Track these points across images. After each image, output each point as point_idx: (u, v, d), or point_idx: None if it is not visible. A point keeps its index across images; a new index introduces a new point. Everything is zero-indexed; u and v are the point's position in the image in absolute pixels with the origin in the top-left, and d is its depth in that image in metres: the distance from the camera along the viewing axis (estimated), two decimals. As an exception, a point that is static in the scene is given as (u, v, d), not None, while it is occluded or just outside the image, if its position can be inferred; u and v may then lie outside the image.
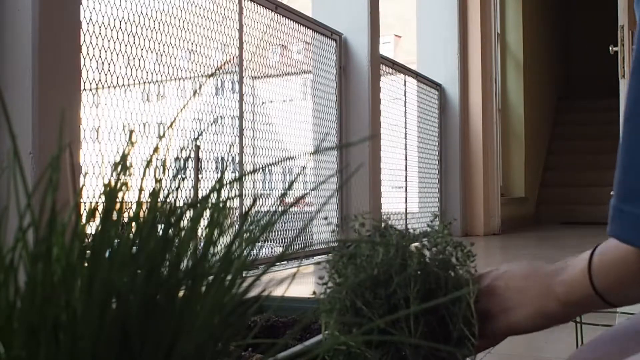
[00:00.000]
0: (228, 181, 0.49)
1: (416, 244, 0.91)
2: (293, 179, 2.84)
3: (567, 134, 8.81)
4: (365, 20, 4.21)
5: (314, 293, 0.92)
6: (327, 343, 0.82)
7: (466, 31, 5.99)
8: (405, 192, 5.19)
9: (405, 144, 5.20)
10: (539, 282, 0.85)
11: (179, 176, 0.49)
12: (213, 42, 3.02)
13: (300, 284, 2.78)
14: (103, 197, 0.46)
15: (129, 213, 0.46)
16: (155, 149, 0.49)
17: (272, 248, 3.04)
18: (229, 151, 3.13)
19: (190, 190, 0.52)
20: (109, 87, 2.39)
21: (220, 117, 3.08)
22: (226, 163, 3.20)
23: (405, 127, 5.21)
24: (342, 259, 0.92)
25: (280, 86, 3.74)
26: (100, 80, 2.34)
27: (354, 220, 0.96)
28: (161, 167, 0.49)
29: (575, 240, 5.20)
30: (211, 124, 3.04)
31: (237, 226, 0.48)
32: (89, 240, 0.45)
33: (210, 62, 2.99)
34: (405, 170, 5.19)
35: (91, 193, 2.20)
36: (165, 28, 2.71)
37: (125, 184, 0.47)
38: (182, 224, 0.47)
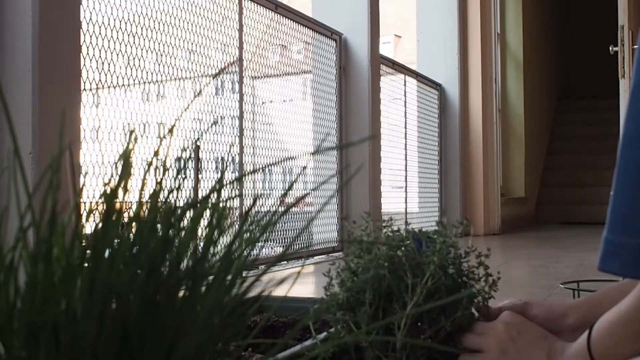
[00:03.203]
0: (228, 181, 0.49)
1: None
2: (293, 179, 2.84)
3: (567, 134, 8.80)
4: (365, 20, 4.21)
5: (331, 274, 0.95)
6: (339, 338, 0.82)
7: (466, 31, 5.98)
8: (405, 192, 5.19)
9: (405, 144, 5.19)
10: (545, 348, 0.87)
11: (180, 176, 0.49)
12: (213, 42, 3.02)
13: (301, 284, 2.77)
14: (103, 198, 0.46)
15: (129, 213, 0.46)
16: (156, 153, 0.49)
17: (272, 248, 3.04)
18: (229, 151, 3.13)
19: (190, 191, 0.52)
20: (109, 87, 2.39)
21: (221, 117, 3.08)
22: (226, 163, 3.20)
23: (405, 127, 5.20)
24: (357, 254, 0.96)
25: (280, 86, 3.74)
26: (100, 80, 2.33)
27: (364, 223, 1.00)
28: (161, 168, 0.49)
29: (575, 240, 5.20)
30: (211, 125, 3.04)
31: (237, 226, 0.48)
32: (89, 240, 0.45)
33: (210, 62, 2.99)
34: (405, 170, 5.19)
35: (91, 193, 2.20)
36: (165, 28, 2.71)
37: (126, 183, 0.47)
38: (182, 224, 0.47)
